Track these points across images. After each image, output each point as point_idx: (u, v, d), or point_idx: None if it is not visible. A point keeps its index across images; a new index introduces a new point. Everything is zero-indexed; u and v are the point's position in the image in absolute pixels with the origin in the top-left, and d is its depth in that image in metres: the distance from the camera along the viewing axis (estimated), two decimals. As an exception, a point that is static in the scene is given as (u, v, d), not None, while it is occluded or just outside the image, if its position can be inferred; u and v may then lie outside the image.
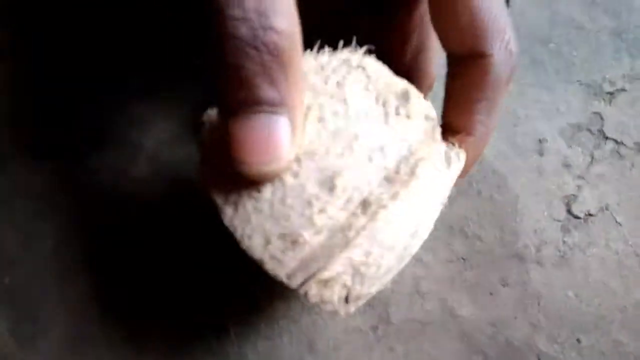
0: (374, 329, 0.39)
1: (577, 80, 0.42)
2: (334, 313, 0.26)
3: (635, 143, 0.41)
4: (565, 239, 0.39)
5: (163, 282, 0.40)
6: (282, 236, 0.26)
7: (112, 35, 0.44)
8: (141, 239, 0.40)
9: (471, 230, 0.40)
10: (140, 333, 0.39)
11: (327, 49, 0.28)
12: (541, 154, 0.41)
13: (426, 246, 0.40)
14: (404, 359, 0.38)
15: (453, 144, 0.28)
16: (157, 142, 0.42)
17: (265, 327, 0.39)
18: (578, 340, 0.38)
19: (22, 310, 0.39)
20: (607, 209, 0.40)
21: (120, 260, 0.40)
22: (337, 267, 0.26)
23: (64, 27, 0.44)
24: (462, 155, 0.28)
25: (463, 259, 0.39)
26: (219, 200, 0.27)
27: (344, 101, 0.27)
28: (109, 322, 0.39)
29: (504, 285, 0.39)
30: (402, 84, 0.27)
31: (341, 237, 0.26)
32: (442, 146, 0.28)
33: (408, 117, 0.27)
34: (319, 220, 0.26)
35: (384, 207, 0.26)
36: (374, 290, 0.27)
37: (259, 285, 0.38)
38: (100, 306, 0.39)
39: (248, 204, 0.27)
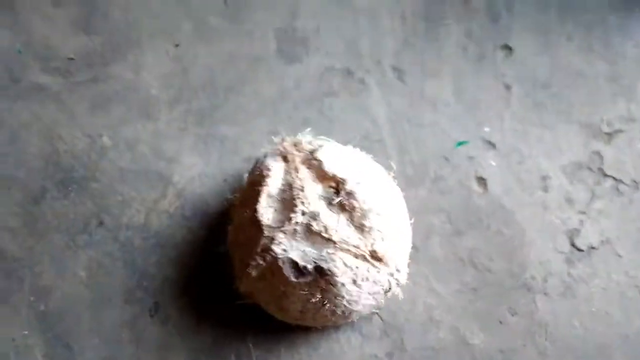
0: (390, 355, 0.41)
1: (577, 121, 0.45)
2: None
3: (633, 180, 0.44)
4: (570, 271, 0.42)
5: (189, 309, 0.42)
6: None
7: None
8: (170, 269, 0.43)
9: (481, 262, 0.42)
10: (167, 358, 0.41)
11: None
12: (545, 190, 0.44)
13: (439, 277, 0.42)
14: (419, 385, 0.40)
15: None
16: (186, 177, 0.45)
17: (285, 353, 0.41)
18: (584, 368, 0.40)
19: (56, 336, 0.42)
20: (608, 242, 0.42)
21: (150, 289, 0.42)
22: None
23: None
24: None
25: (474, 289, 0.42)
26: None
27: None
28: (139, 348, 0.41)
29: (512, 315, 0.41)
30: None
31: None
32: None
33: None
34: None
35: None
36: None
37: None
38: (131, 332, 0.41)
39: None
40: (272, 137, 0.40)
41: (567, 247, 0.42)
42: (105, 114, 0.47)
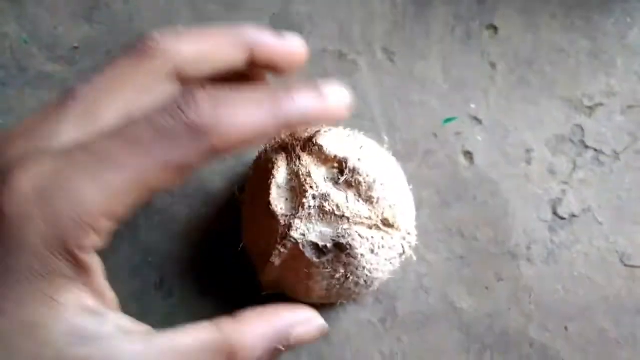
0: (383, 321, 0.43)
1: (560, 97, 0.47)
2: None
3: (613, 151, 0.46)
4: (553, 238, 0.44)
5: (193, 284, 0.44)
6: None
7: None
8: (173, 245, 0.45)
9: (468, 231, 0.44)
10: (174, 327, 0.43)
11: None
12: (529, 162, 0.46)
13: (428, 247, 0.44)
14: (410, 347, 0.43)
15: None
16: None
17: (285, 321, 0.43)
18: (566, 329, 0.42)
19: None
20: (589, 210, 0.44)
21: (155, 265, 0.45)
22: None
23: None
24: None
25: (461, 257, 0.44)
26: None
27: None
28: (146, 319, 0.43)
29: (498, 281, 0.43)
30: None
31: None
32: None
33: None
34: None
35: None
36: None
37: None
38: (138, 305, 0.44)
39: None
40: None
41: (549, 215, 0.44)
42: (109, 99, 0.49)
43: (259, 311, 0.33)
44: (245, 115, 0.28)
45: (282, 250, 0.37)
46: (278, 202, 0.37)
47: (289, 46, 0.36)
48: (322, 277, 0.38)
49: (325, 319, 0.43)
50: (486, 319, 0.43)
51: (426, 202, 0.45)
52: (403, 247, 0.39)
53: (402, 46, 0.49)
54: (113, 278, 0.45)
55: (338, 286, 0.38)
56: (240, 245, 0.42)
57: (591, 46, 0.48)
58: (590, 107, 0.46)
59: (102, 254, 0.45)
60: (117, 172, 0.28)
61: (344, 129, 0.43)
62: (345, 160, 0.38)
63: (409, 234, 0.40)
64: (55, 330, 0.27)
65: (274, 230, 0.37)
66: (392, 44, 0.50)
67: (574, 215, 0.44)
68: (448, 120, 0.47)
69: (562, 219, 0.44)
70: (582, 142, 0.46)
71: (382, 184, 0.38)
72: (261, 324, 0.32)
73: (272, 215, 0.37)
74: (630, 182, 0.45)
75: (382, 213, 0.37)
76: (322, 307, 0.43)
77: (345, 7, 0.51)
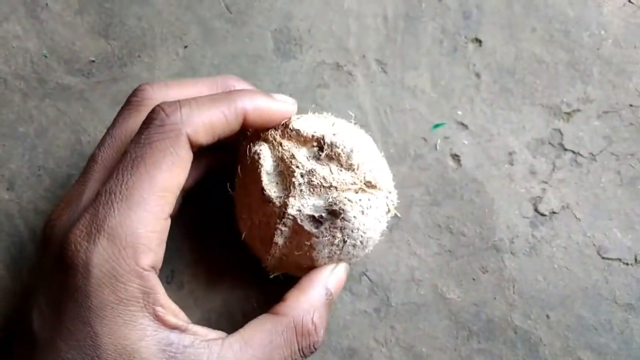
0: (377, 311, 0.46)
1: (540, 104, 0.51)
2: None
3: (590, 153, 0.49)
4: (534, 233, 0.47)
5: (201, 276, 0.48)
6: None
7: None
8: (183, 240, 0.48)
9: (456, 227, 0.48)
10: (183, 318, 0.46)
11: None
12: (511, 163, 0.49)
13: (419, 242, 0.48)
14: (403, 335, 0.46)
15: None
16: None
17: (286, 311, 0.46)
18: (547, 316, 0.45)
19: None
20: (568, 207, 0.48)
21: (166, 258, 0.47)
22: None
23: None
24: None
25: (450, 251, 0.47)
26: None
27: None
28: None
29: (484, 272, 0.47)
30: None
31: None
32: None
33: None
34: None
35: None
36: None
37: (281, 279, 0.46)
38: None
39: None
40: (247, 132, 0.44)
41: (531, 212, 0.48)
42: (124, 109, 0.52)
43: (295, 287, 0.38)
44: (207, 111, 0.35)
45: (283, 228, 0.41)
46: (270, 187, 0.41)
47: (280, 108, 0.40)
48: (322, 245, 0.41)
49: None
50: (473, 307, 0.46)
51: (417, 201, 0.49)
52: (387, 205, 0.43)
53: (393, 58, 0.53)
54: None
55: (338, 252, 0.42)
56: (243, 236, 0.45)
57: (569, 57, 0.51)
58: (568, 113, 0.50)
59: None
60: (141, 196, 0.32)
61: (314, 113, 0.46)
62: (323, 137, 0.41)
63: (390, 192, 0.43)
64: (147, 351, 0.30)
65: (272, 213, 0.41)
66: (384, 56, 0.53)
67: (553, 212, 0.48)
68: (437, 125, 0.51)
69: (543, 215, 0.48)
70: (561, 145, 0.49)
71: (358, 152, 0.42)
72: (305, 293, 0.37)
73: (268, 200, 0.41)
74: (606, 182, 0.48)
75: (364, 177, 0.41)
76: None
77: (342, 22, 0.55)
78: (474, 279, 0.46)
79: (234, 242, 0.46)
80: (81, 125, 0.52)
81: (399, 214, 0.44)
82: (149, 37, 0.55)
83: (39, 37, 0.54)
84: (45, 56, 0.53)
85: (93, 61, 0.53)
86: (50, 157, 0.51)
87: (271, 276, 0.44)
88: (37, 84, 0.53)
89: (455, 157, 0.49)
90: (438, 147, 0.50)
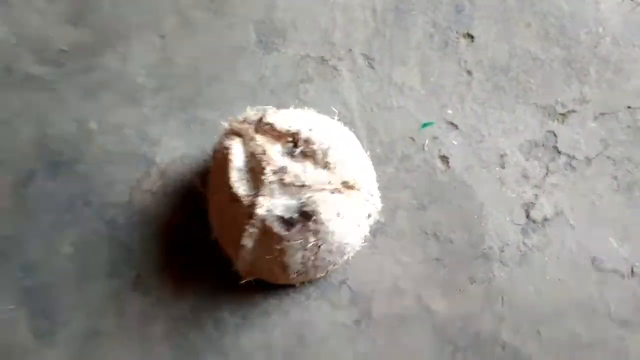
0: (357, 323, 0.43)
1: (534, 103, 0.48)
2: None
3: (585, 157, 0.46)
4: (525, 241, 0.44)
5: (170, 282, 0.45)
6: None
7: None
8: (152, 244, 0.45)
9: (443, 234, 0.45)
10: (149, 327, 0.43)
11: None
12: (503, 166, 0.46)
13: (404, 249, 0.45)
14: (385, 349, 0.43)
15: None
16: (169, 158, 0.48)
17: (259, 320, 0.43)
18: (538, 332, 0.42)
19: (42, 309, 0.44)
20: (561, 214, 0.45)
21: (133, 263, 0.45)
22: None
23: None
24: None
25: (436, 259, 0.44)
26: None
27: None
28: (123, 319, 0.44)
29: (472, 283, 0.44)
30: None
31: None
32: None
33: None
34: None
35: None
36: None
37: (255, 283, 0.43)
38: (115, 304, 0.44)
39: None
40: (221, 122, 0.42)
41: (523, 219, 0.45)
42: (95, 101, 0.49)
43: None
44: None
45: (252, 230, 0.38)
46: (239, 184, 0.39)
47: None
48: (294, 250, 0.38)
49: (299, 319, 0.43)
50: (459, 321, 0.43)
51: (402, 205, 0.46)
52: (368, 208, 0.40)
53: (381, 52, 0.50)
54: (91, 278, 0.45)
55: (313, 257, 0.39)
56: (213, 236, 0.42)
57: (565, 54, 0.49)
58: (563, 114, 0.47)
59: (81, 253, 0.46)
60: None
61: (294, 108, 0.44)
62: (298, 133, 0.39)
63: (372, 195, 0.41)
64: None
65: (241, 213, 0.38)
66: (372, 50, 0.50)
67: (546, 219, 0.45)
68: (425, 125, 0.48)
69: (535, 222, 0.45)
70: (555, 147, 0.47)
71: (337, 150, 0.39)
72: None
73: (236, 198, 0.38)
74: (602, 188, 0.46)
75: (341, 176, 0.39)
76: (293, 304, 0.43)
77: (327, 14, 0.52)
78: (460, 290, 0.44)
79: (206, 242, 0.43)
80: (48, 118, 0.49)
81: (382, 219, 0.41)
82: (123, 26, 0.51)
83: (7, 25, 0.51)
84: (13, 44, 0.50)
85: (64, 50, 0.50)
86: (13, 151, 0.48)
87: (242, 282, 0.41)
88: (4, 73, 0.50)
89: (444, 159, 0.47)
90: (426, 148, 0.47)
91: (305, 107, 0.44)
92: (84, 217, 0.46)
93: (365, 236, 0.41)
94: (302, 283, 0.43)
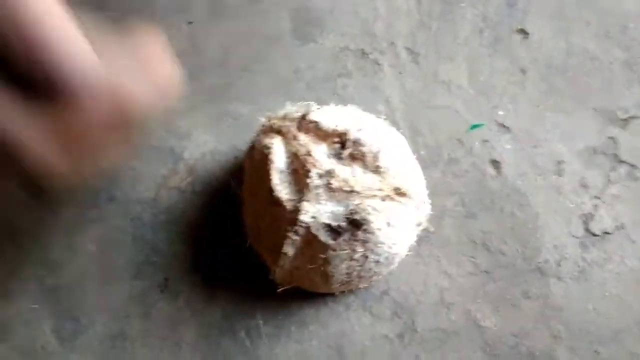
0: (400, 336, 0.40)
1: (592, 107, 0.45)
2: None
3: (648, 167, 0.43)
4: (584, 255, 0.41)
5: (200, 286, 0.41)
6: None
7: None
8: (179, 245, 0.42)
9: (494, 245, 0.42)
10: (177, 332, 0.40)
11: None
12: (560, 174, 0.43)
13: (451, 259, 0.42)
14: (429, 366, 0.40)
15: None
16: (198, 153, 0.45)
17: (295, 331, 0.40)
18: (596, 352, 0.40)
19: (65, 309, 0.41)
20: (622, 227, 0.42)
21: (160, 265, 0.42)
22: None
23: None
24: None
25: (486, 272, 0.41)
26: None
27: None
28: (149, 322, 0.41)
29: (525, 298, 0.41)
30: None
31: None
32: None
33: None
34: None
35: None
36: None
37: (291, 290, 0.40)
38: (140, 307, 0.41)
39: None
40: (257, 117, 0.39)
41: (581, 231, 0.42)
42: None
43: None
44: None
45: (294, 237, 0.35)
46: (281, 187, 0.35)
47: None
48: (340, 260, 0.35)
49: (339, 331, 0.40)
50: (511, 338, 0.40)
51: (449, 212, 0.43)
52: (418, 217, 0.37)
53: (426, 47, 0.47)
54: (116, 278, 0.42)
55: (359, 268, 0.36)
56: (248, 242, 0.39)
57: (626, 56, 0.46)
58: (624, 120, 0.44)
59: (105, 251, 0.42)
60: None
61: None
62: (346, 133, 0.35)
63: (423, 202, 0.37)
64: None
65: (282, 218, 0.35)
66: (416, 44, 0.47)
67: (606, 232, 0.42)
68: (474, 126, 0.45)
69: (594, 235, 0.42)
70: (616, 155, 0.44)
71: (388, 153, 0.36)
72: None
73: (277, 202, 0.35)
74: (666, 200, 0.43)
75: (393, 182, 0.35)
76: (332, 315, 0.41)
77: (368, 3, 0.48)
78: (513, 305, 0.41)
79: (239, 247, 0.40)
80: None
81: (431, 227, 0.38)
82: (148, 10, 0.48)
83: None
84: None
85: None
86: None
87: (279, 290, 0.38)
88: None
89: (495, 164, 0.44)
90: (475, 151, 0.44)
91: (347, 104, 0.41)
92: (107, 214, 0.43)
93: (411, 244, 0.38)
94: (342, 292, 0.40)
